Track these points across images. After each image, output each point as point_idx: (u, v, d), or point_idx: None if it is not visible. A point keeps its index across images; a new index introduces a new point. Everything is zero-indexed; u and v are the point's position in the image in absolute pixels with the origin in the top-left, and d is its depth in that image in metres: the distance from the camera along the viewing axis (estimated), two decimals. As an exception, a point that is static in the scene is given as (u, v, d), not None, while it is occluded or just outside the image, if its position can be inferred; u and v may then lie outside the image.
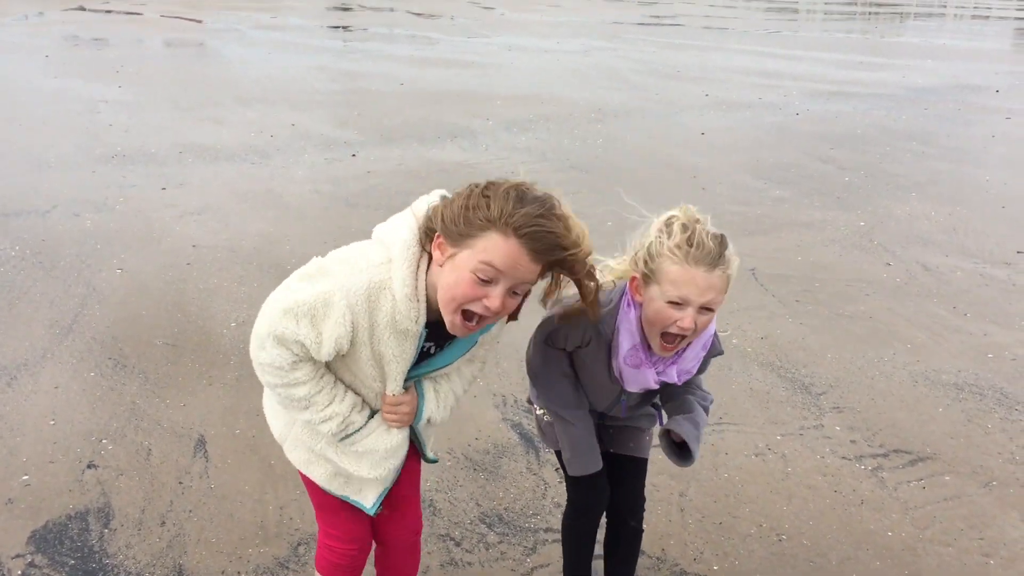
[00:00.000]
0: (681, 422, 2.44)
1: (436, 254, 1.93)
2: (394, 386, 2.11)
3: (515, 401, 4.07)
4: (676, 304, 2.14)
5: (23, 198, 6.80)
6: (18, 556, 3.02)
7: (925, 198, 7.40)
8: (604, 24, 20.99)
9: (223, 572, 2.97)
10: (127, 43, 15.74)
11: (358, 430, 2.14)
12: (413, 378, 2.14)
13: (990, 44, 19.29)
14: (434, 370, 2.16)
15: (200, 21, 19.31)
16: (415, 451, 2.38)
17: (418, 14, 22.29)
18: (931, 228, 6.65)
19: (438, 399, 2.22)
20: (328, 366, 2.11)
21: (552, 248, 1.87)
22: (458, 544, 3.14)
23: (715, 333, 2.40)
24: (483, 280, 1.86)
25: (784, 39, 18.85)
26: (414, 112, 10.34)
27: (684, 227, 2.13)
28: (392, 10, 23.20)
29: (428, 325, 2.01)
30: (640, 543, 2.76)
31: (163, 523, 3.21)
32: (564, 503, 3.33)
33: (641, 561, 3.05)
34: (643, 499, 2.71)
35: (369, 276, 1.95)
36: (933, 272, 5.77)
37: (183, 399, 4.03)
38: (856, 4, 30.93)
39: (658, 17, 23.23)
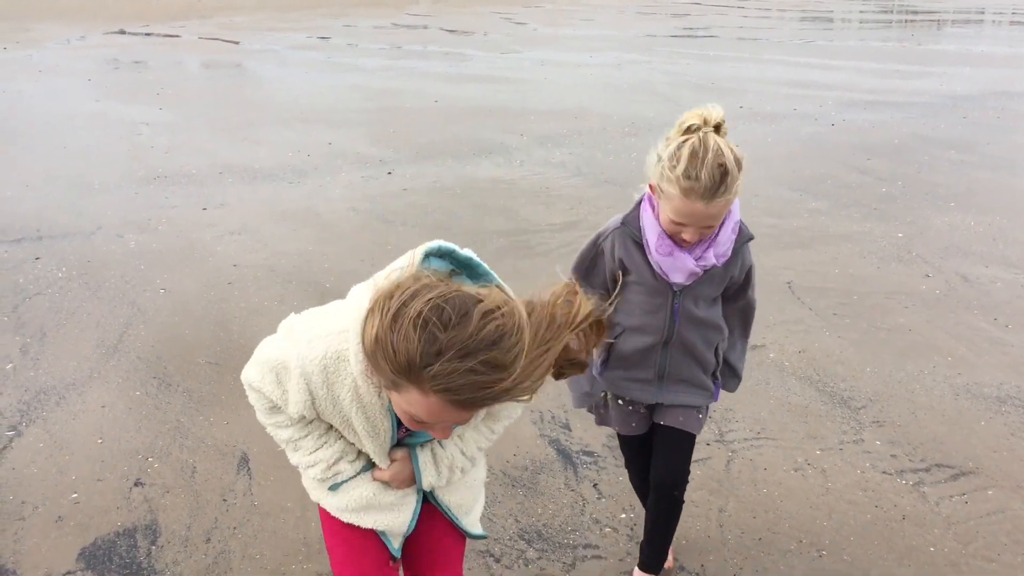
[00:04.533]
0: (732, 385, 2.86)
1: None
2: (379, 459, 1.96)
3: (552, 417, 4.10)
4: (679, 223, 2.33)
5: (68, 220, 6.96)
6: (68, 573, 3.09)
7: (965, 208, 7.32)
8: (637, 37, 21.00)
9: (267, 588, 3.03)
10: (166, 65, 16.04)
11: (348, 480, 2.00)
12: (408, 446, 1.98)
13: (1030, 49, 19.02)
14: (427, 439, 1.98)
15: (237, 42, 19.63)
16: (451, 528, 2.16)
17: (451, 31, 22.47)
18: (971, 238, 6.58)
19: (437, 465, 1.99)
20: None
21: (481, 399, 1.52)
22: (498, 560, 3.17)
23: (740, 221, 2.51)
24: (418, 421, 1.65)
25: (819, 49, 18.73)
26: (449, 129, 10.42)
27: (693, 154, 2.22)
28: (425, 27, 23.41)
29: None
30: (680, 512, 2.85)
31: (208, 540, 3.27)
32: (603, 520, 3.38)
33: (680, 577, 3.06)
34: (687, 472, 2.78)
35: (325, 346, 1.75)
36: (973, 283, 5.71)
37: (226, 417, 4.11)
38: (892, 12, 30.67)
39: (691, 29, 23.21)
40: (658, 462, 2.75)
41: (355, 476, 1.99)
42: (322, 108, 11.77)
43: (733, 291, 2.64)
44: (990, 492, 3.56)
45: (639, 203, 2.51)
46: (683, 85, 13.68)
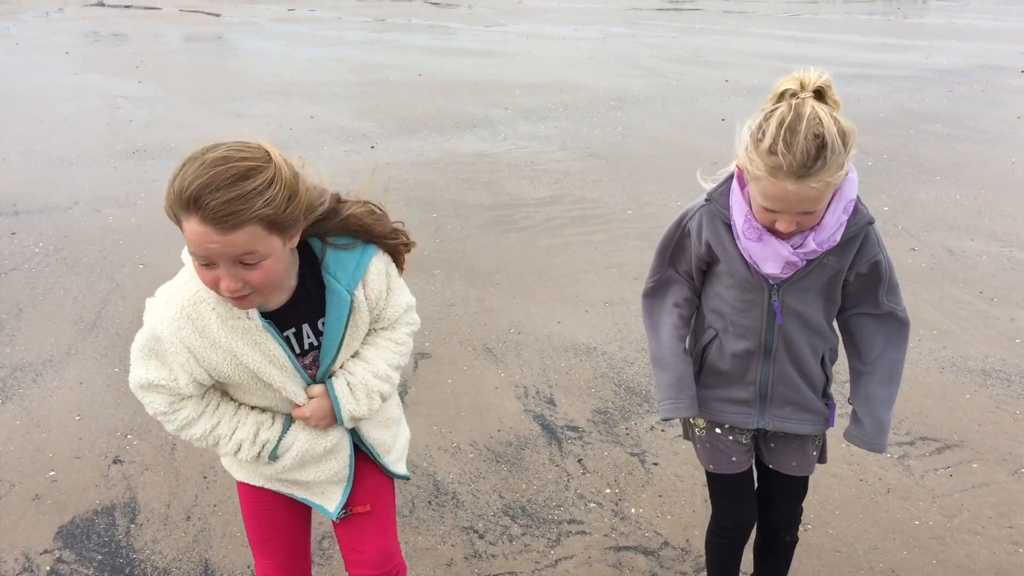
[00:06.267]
0: (853, 434, 2.19)
1: None
2: (294, 394, 1.93)
3: (536, 393, 4.06)
4: (770, 210, 1.94)
5: (45, 195, 6.85)
6: (46, 552, 3.05)
7: (950, 181, 7.31)
8: (622, 11, 20.85)
9: (248, 566, 2.99)
10: (146, 38, 15.81)
11: (278, 443, 1.98)
12: (322, 380, 1.98)
13: (1014, 23, 19.00)
14: (334, 357, 1.96)
15: (218, 15, 19.37)
16: (377, 469, 2.18)
17: (435, 3, 22.24)
18: (956, 212, 6.57)
19: (354, 393, 1.98)
20: (227, 395, 1.99)
21: (233, 210, 1.56)
22: (481, 536, 3.14)
23: (857, 198, 2.01)
24: (204, 265, 1.66)
25: (805, 22, 18.65)
26: (432, 103, 10.32)
27: (781, 124, 1.83)
28: (410, 0, 23.16)
29: (268, 315, 1.84)
30: (793, 552, 2.56)
31: (188, 518, 3.22)
32: (587, 495, 3.34)
33: (666, 552, 3.04)
34: (800, 513, 2.45)
35: (180, 296, 1.80)
36: (959, 257, 5.70)
37: (206, 393, 4.05)
38: (877, -15, 30.56)
39: (677, 2, 23.06)
40: (768, 505, 2.42)
41: (282, 436, 1.98)
42: (304, 82, 11.63)
43: (859, 294, 2.15)
44: (975, 465, 3.55)
45: (728, 178, 2.10)
46: (669, 59, 13.59)
